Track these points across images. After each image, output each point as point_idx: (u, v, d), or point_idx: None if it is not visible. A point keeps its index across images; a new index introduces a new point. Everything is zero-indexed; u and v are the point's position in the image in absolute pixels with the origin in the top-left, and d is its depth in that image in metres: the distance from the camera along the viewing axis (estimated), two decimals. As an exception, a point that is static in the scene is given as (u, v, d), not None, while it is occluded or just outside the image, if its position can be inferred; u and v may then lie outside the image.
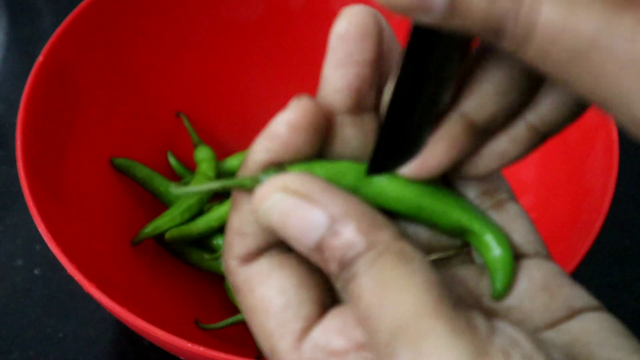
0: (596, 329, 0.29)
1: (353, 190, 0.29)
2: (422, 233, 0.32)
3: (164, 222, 0.66)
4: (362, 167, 0.30)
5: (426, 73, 0.27)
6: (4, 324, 0.65)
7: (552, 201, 0.65)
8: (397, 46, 0.31)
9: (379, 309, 0.25)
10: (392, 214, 0.31)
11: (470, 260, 0.32)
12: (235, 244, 0.30)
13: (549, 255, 0.32)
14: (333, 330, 0.28)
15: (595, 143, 0.60)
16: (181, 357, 0.55)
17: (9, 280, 0.67)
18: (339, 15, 0.29)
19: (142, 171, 0.67)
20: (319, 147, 0.29)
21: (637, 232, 0.73)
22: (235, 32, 0.73)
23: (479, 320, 0.25)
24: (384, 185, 0.30)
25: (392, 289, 0.25)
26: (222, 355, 0.50)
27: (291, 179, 0.28)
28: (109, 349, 0.64)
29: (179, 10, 0.70)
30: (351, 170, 0.30)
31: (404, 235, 0.28)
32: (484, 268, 0.32)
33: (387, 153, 0.30)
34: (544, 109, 0.29)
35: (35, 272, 0.67)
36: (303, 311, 0.29)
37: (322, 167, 0.29)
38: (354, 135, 0.30)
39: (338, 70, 0.29)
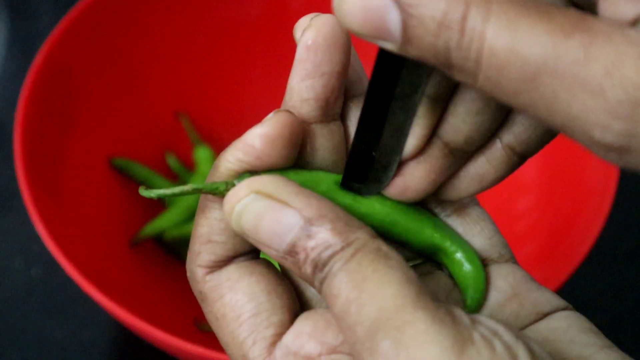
0: (564, 328, 0.29)
1: None
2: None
3: (163, 222, 0.65)
4: (335, 178, 0.30)
5: (393, 100, 0.27)
6: (1, 325, 0.64)
7: (554, 201, 0.64)
8: (358, 61, 0.31)
9: (358, 303, 0.25)
10: None
11: (441, 272, 0.32)
12: (203, 251, 0.29)
13: (512, 257, 0.32)
14: (304, 334, 0.28)
15: (597, 143, 0.60)
16: (180, 358, 0.54)
17: (6, 281, 0.66)
18: (307, 25, 0.29)
19: (141, 171, 0.67)
20: (293, 160, 0.29)
21: (638, 233, 0.73)
22: (235, 32, 0.73)
23: (460, 312, 0.25)
24: (358, 198, 0.30)
25: (371, 283, 0.25)
26: (221, 355, 0.50)
27: (265, 181, 0.27)
28: (108, 350, 0.64)
29: (178, 10, 0.70)
30: (325, 180, 0.30)
31: (380, 238, 0.27)
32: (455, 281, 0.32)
33: (356, 177, 0.30)
34: (518, 129, 0.29)
35: (33, 272, 0.67)
36: (275, 317, 0.29)
37: (296, 174, 0.29)
38: (322, 145, 0.30)
39: (305, 81, 0.29)
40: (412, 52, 0.24)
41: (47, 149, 0.60)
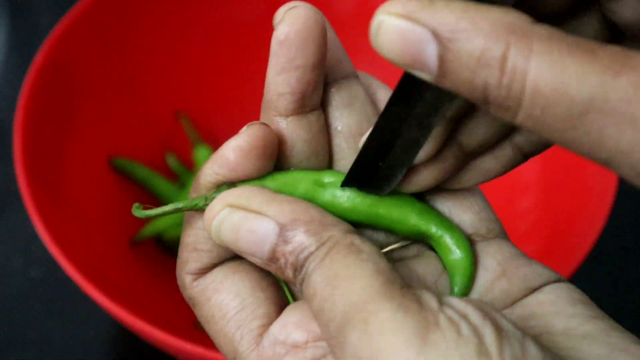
0: (552, 300, 0.29)
1: (307, 200, 0.29)
2: (379, 235, 0.32)
3: (162, 222, 0.65)
4: (314, 176, 0.30)
5: (410, 117, 0.27)
6: (1, 325, 0.64)
7: (554, 201, 0.64)
8: (338, 44, 0.31)
9: (330, 300, 0.26)
10: (350, 223, 0.31)
11: (433, 252, 0.32)
12: (190, 260, 0.31)
13: (502, 232, 0.32)
14: (291, 324, 0.29)
15: (597, 143, 0.60)
16: (180, 358, 0.54)
17: (6, 281, 0.66)
18: (280, 19, 0.29)
19: (141, 171, 0.67)
20: (269, 169, 0.30)
21: (638, 232, 0.73)
22: (235, 32, 0.73)
23: (428, 296, 0.25)
24: (338, 194, 0.30)
25: (342, 278, 0.26)
26: (221, 355, 0.50)
27: (237, 193, 0.28)
28: (108, 350, 0.64)
29: (178, 10, 0.70)
30: (303, 180, 0.30)
31: (355, 231, 0.28)
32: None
33: (358, 181, 0.30)
34: (530, 132, 0.30)
35: (33, 272, 0.67)
36: (260, 310, 0.29)
37: (273, 180, 0.30)
38: (300, 136, 0.30)
39: (280, 75, 0.29)
40: (447, 85, 0.24)
41: (47, 149, 0.60)
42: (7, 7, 0.82)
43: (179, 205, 0.30)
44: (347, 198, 0.30)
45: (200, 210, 0.30)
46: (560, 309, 0.29)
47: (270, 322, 0.29)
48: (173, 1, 0.69)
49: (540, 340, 0.27)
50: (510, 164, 0.31)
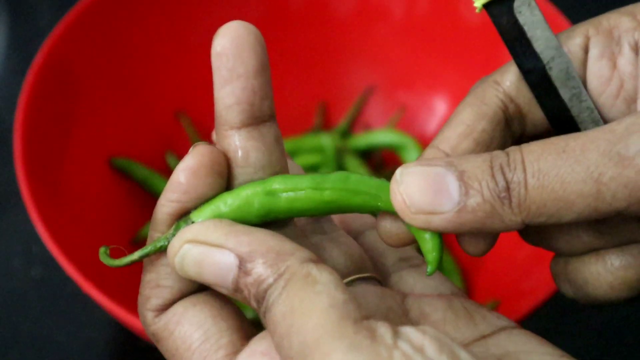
0: (524, 341, 0.30)
1: (264, 214, 0.30)
2: (340, 257, 0.32)
3: (163, 222, 0.65)
4: (263, 187, 0.30)
5: None
6: (1, 325, 0.64)
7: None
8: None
9: (287, 338, 0.26)
10: (315, 216, 0.31)
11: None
12: (152, 296, 0.31)
13: (465, 294, 0.33)
14: (258, 353, 0.28)
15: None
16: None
17: (6, 281, 0.66)
18: (215, 35, 0.30)
19: (142, 171, 0.67)
20: (222, 187, 0.30)
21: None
22: (235, 31, 0.73)
23: (383, 329, 0.25)
24: (293, 198, 0.30)
25: (297, 314, 0.26)
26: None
27: (197, 229, 0.29)
28: (108, 350, 0.64)
29: (178, 10, 0.70)
30: (255, 196, 0.30)
31: (314, 259, 0.28)
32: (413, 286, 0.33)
33: None
34: None
35: (33, 272, 0.67)
36: (223, 340, 0.29)
37: (226, 203, 0.30)
38: (254, 146, 0.30)
39: (225, 87, 0.30)
40: None
41: (47, 149, 0.60)
42: (7, 7, 0.82)
43: (144, 251, 0.31)
44: (302, 202, 0.30)
45: (165, 249, 0.30)
46: (532, 348, 0.29)
47: (234, 351, 0.29)
48: (173, 1, 0.69)
49: None
50: None
